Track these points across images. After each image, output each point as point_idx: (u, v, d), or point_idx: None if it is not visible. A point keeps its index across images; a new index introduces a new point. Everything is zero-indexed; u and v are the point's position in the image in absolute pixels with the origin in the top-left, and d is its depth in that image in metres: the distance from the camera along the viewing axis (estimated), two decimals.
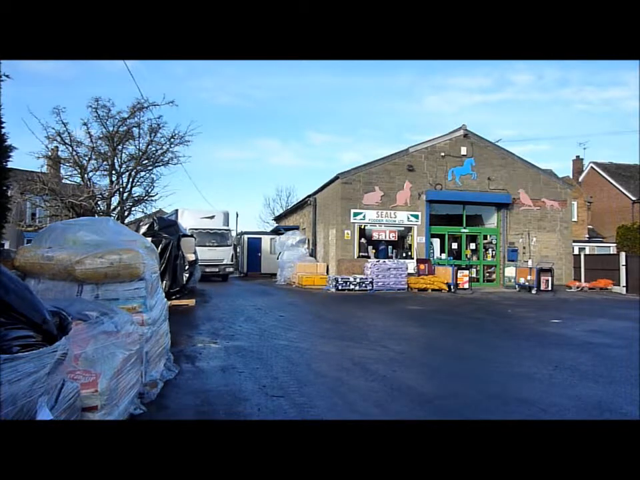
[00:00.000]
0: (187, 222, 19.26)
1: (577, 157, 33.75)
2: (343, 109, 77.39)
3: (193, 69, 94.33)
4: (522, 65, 75.81)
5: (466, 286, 16.81)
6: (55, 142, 16.62)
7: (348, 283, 15.73)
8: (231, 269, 20.65)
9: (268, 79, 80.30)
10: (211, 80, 75.70)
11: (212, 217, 21.16)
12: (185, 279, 11.20)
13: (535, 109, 78.02)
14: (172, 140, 17.77)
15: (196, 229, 19.19)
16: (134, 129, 17.48)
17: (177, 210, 20.82)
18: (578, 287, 18.18)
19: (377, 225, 18.29)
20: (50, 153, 16.92)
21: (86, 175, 16.79)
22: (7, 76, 6.31)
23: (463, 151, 18.96)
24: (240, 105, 77.51)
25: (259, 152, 76.25)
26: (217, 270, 19.81)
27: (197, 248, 17.65)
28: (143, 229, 10.98)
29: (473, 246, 19.48)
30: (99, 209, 16.75)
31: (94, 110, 16.57)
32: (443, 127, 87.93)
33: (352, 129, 79.51)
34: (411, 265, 17.49)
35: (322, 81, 75.99)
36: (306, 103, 77.69)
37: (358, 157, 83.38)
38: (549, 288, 16.76)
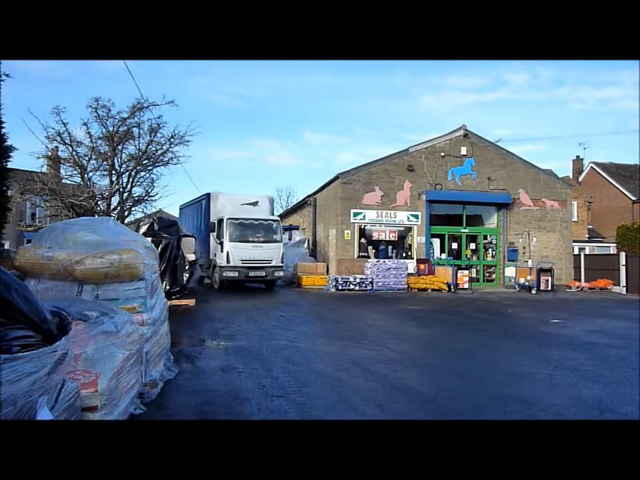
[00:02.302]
0: (223, 209, 15.60)
1: (577, 156, 33.73)
2: (339, 109, 77.54)
3: (188, 68, 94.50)
4: (517, 65, 76.02)
5: (466, 286, 16.81)
6: (55, 142, 16.60)
7: (348, 283, 15.73)
8: (281, 273, 15.59)
9: (264, 78, 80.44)
10: (206, 79, 75.78)
11: (255, 204, 16.21)
12: (185, 278, 11.19)
13: (531, 109, 78.21)
14: (172, 140, 17.74)
15: (236, 219, 14.93)
16: (134, 129, 17.46)
17: (208, 194, 16.44)
18: (578, 287, 18.17)
19: (377, 225, 18.28)
20: (50, 153, 16.89)
21: (86, 175, 16.77)
22: (7, 75, 6.30)
23: (463, 150, 18.96)
24: (237, 105, 77.61)
25: (257, 152, 76.36)
26: (264, 274, 14.96)
27: (236, 244, 14.57)
28: (143, 229, 10.96)
29: (473, 246, 19.47)
30: (98, 209, 16.73)
31: (94, 110, 16.55)
32: (440, 127, 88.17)
33: (349, 128, 79.66)
34: (411, 265, 17.48)
35: (318, 81, 76.13)
36: (302, 102, 77.83)
37: (355, 157, 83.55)
38: (549, 288, 16.76)
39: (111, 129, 16.89)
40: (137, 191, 18.21)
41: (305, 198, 24.14)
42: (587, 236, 28.81)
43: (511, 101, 76.33)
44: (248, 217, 15.36)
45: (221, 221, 15.07)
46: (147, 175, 18.18)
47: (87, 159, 16.92)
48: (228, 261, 14.55)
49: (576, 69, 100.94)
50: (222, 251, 14.69)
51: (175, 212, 22.63)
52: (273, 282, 15.73)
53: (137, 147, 17.69)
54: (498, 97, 76.09)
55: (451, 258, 18.75)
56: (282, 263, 15.46)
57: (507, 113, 78.07)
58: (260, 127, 78.80)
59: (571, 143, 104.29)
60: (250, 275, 14.77)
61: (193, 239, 12.83)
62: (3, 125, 6.18)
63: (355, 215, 17.92)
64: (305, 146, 76.96)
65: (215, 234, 15.18)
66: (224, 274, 14.58)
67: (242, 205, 16.02)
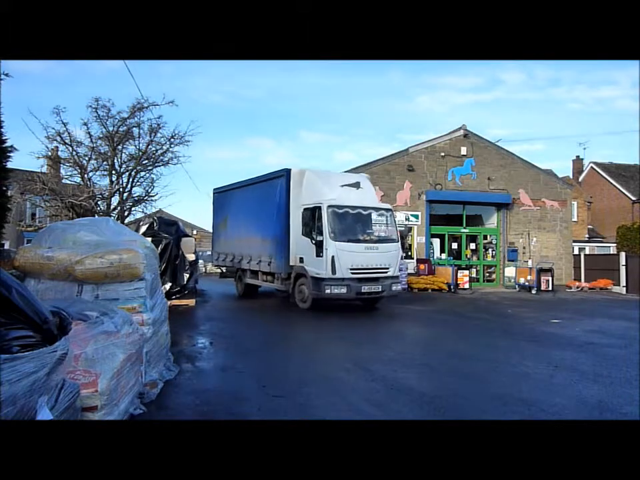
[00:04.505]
0: (316, 193, 10.69)
1: (577, 156, 33.71)
2: (336, 109, 77.81)
3: (184, 67, 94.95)
4: (513, 65, 76.16)
5: (466, 286, 16.80)
6: (55, 142, 16.60)
7: None
8: (399, 287, 11.03)
9: (261, 78, 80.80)
10: (204, 79, 76.11)
11: (357, 185, 11.28)
12: (185, 278, 11.20)
13: (528, 109, 78.46)
14: (172, 140, 17.73)
15: (339, 207, 10.32)
16: (134, 129, 17.46)
17: (287, 171, 11.29)
18: (578, 287, 18.16)
19: None
20: (50, 153, 16.89)
21: (86, 175, 16.75)
22: (7, 74, 6.30)
23: (463, 150, 18.96)
24: (234, 104, 77.91)
25: (254, 151, 76.52)
26: (379, 289, 10.41)
27: (344, 245, 10.05)
28: (143, 229, 10.98)
29: (472, 246, 19.47)
30: (98, 209, 16.72)
31: (94, 110, 16.54)
32: (437, 127, 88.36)
33: (346, 128, 79.95)
34: (411, 265, 17.46)
35: (315, 81, 76.46)
36: (299, 102, 78.07)
37: (352, 157, 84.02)
38: (549, 288, 16.75)
39: (110, 128, 16.88)
40: (137, 190, 18.20)
41: None
42: (587, 236, 28.81)
43: (508, 101, 76.68)
44: (353, 204, 10.58)
45: (316, 209, 10.33)
46: (147, 175, 18.18)
47: (87, 158, 16.92)
48: (333, 271, 9.89)
49: (572, 69, 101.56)
50: (319, 255, 10.09)
51: (175, 212, 22.57)
52: (377, 300, 11.18)
53: (137, 147, 17.69)
54: (494, 96, 76.46)
55: (451, 258, 18.74)
56: (399, 271, 11.10)
57: (503, 113, 78.45)
58: (257, 126, 79.18)
59: (570, 143, 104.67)
60: (363, 290, 10.19)
61: (193, 239, 12.76)
62: (2, 125, 6.18)
63: None
64: (301, 145, 77.24)
65: (305, 229, 10.61)
66: (327, 290, 9.93)
67: (341, 186, 10.98)
